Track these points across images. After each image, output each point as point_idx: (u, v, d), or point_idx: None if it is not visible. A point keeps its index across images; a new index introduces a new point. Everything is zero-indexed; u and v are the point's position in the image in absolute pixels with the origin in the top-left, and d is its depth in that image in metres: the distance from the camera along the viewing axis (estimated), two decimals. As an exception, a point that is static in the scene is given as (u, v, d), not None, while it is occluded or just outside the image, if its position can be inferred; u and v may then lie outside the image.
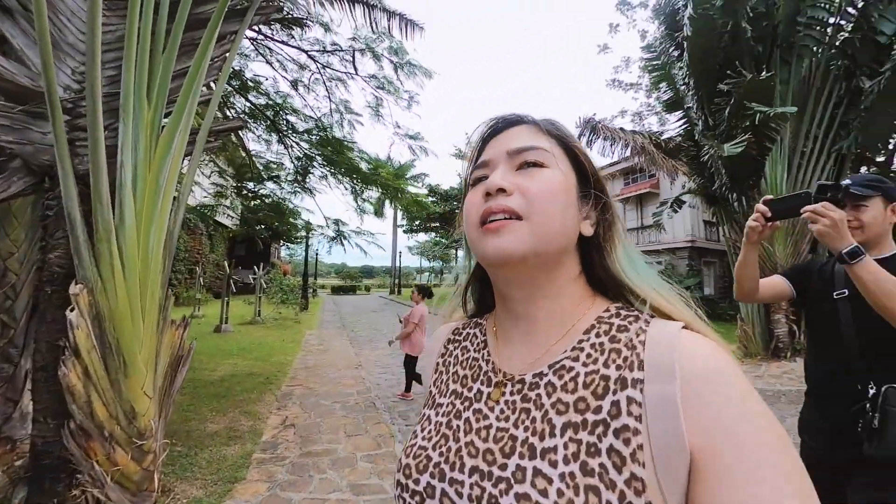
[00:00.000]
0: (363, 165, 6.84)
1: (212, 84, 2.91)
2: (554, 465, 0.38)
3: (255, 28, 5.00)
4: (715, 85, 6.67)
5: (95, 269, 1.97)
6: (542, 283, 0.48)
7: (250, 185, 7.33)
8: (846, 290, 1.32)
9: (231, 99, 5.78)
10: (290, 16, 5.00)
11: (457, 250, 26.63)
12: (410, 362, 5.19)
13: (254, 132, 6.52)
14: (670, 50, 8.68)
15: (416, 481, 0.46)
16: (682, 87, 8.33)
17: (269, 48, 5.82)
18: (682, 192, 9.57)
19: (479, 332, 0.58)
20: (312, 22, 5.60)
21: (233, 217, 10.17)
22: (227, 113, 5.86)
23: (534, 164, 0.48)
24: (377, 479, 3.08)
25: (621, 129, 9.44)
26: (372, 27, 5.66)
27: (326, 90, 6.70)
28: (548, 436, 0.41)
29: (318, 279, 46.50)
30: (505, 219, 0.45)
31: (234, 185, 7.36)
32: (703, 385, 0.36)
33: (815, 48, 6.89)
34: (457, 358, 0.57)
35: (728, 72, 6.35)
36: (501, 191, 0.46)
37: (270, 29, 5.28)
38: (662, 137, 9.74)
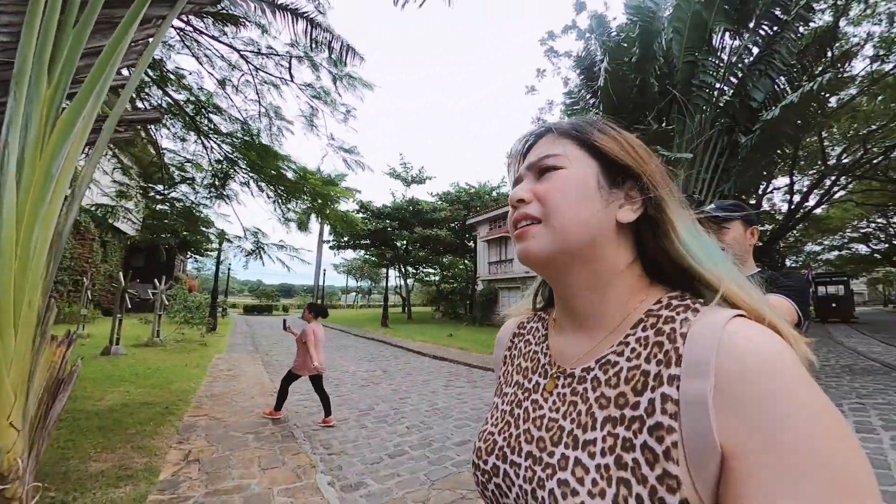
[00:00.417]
0: (290, 175, 6.43)
1: (129, 70, 2.60)
2: (592, 456, 0.41)
3: (185, 18, 4.59)
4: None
5: (-47, 270, 1.59)
6: (582, 277, 0.49)
7: (159, 186, 6.50)
8: None
9: (147, 90, 5.18)
10: (225, 11, 4.67)
11: (388, 269, 26.12)
12: (288, 379, 4.93)
13: (169, 129, 5.88)
14: (587, 97, 9.71)
15: (485, 462, 0.52)
16: (598, 132, 9.32)
17: (198, 41, 5.35)
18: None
19: (542, 326, 0.62)
20: (249, 22, 5.29)
21: (135, 222, 8.96)
22: (141, 106, 5.25)
23: (550, 168, 0.50)
24: (297, 515, 2.81)
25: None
26: (311, 45, 5.52)
27: (257, 94, 6.32)
28: (590, 429, 0.43)
29: (229, 297, 42.56)
30: (527, 225, 0.49)
31: (140, 185, 6.49)
32: (738, 382, 0.35)
33: (704, 107, 8.13)
34: (520, 350, 0.62)
35: (639, 118, 7.24)
36: (521, 201, 0.50)
37: (203, 21, 4.88)
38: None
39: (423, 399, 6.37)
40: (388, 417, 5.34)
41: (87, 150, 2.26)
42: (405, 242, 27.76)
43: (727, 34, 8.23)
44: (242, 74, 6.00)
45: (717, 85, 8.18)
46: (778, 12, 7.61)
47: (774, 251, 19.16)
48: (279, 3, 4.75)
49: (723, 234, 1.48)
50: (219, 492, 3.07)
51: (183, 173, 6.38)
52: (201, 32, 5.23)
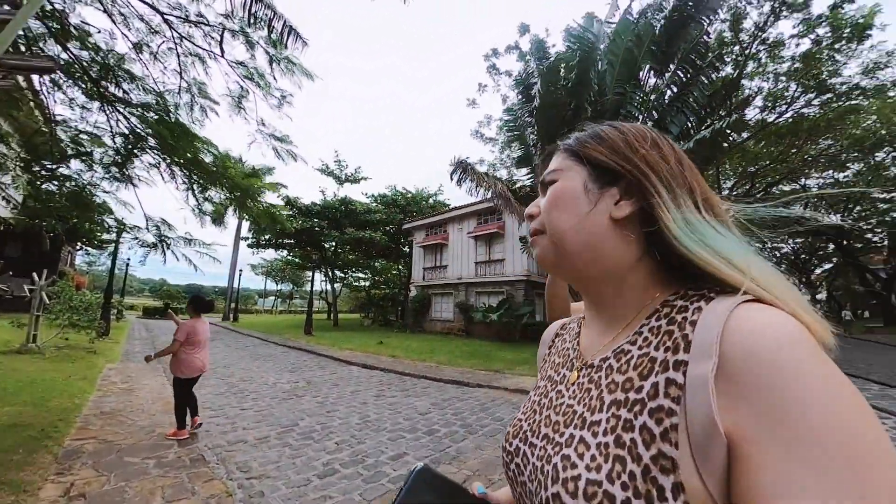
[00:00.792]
0: (208, 158, 5.63)
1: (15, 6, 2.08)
2: (595, 435, 0.42)
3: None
4: (559, 149, 8.10)
5: None
6: (594, 276, 0.51)
7: (47, 161, 5.35)
8: None
9: (42, 43, 4.25)
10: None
11: (313, 272, 24.74)
12: (180, 386, 4.41)
13: (65, 92, 4.89)
14: (524, 116, 10.13)
15: (510, 444, 0.55)
16: (532, 148, 9.75)
17: (112, -6, 4.56)
18: (523, 235, 11.13)
19: (576, 325, 0.65)
20: (177, -19, 4.64)
21: (10, 202, 7.37)
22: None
23: (550, 182, 0.56)
24: (208, 554, 2.38)
25: (486, 173, 10.47)
26: (249, 20, 5.01)
27: (179, 65, 5.56)
28: (597, 411, 0.45)
29: (126, 297, 37.33)
30: (535, 236, 0.55)
31: (21, 157, 5.29)
32: (743, 364, 0.34)
33: (630, 136, 8.86)
34: (557, 348, 0.66)
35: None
36: (531, 216, 0.57)
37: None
38: (516, 186, 11.27)
39: (353, 411, 5.98)
40: (314, 433, 4.89)
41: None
42: (335, 244, 26.45)
43: (652, 72, 9.08)
44: (164, 41, 5.23)
45: (640, 117, 8.97)
46: (695, 58, 8.59)
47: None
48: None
49: None
50: (104, 531, 2.52)
51: (78, 147, 5.32)
52: (116, -15, 4.48)
